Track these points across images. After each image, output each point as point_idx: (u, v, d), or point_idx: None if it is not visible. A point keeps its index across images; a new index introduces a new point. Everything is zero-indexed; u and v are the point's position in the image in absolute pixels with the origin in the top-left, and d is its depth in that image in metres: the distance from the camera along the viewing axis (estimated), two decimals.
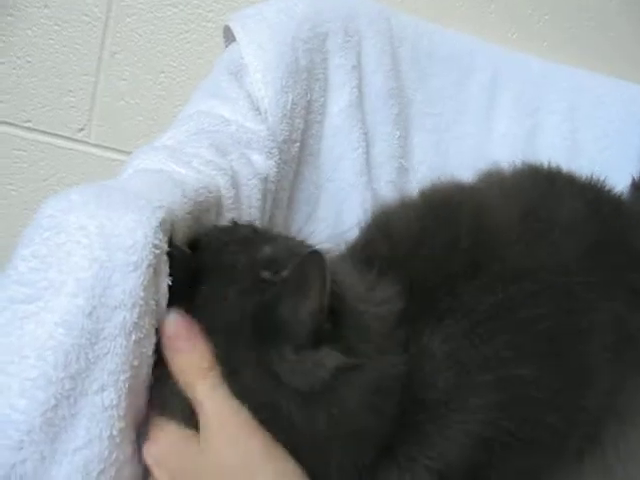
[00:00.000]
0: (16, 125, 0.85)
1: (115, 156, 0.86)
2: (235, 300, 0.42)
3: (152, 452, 0.41)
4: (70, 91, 0.85)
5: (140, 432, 0.42)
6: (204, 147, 0.56)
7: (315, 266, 0.39)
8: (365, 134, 0.72)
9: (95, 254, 0.38)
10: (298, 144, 0.67)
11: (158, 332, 0.41)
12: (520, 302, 0.47)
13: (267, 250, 0.44)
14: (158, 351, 0.41)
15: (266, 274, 0.42)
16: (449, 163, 0.77)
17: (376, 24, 0.74)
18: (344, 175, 0.71)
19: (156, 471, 0.41)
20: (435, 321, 0.46)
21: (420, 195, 0.58)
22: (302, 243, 0.47)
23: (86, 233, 0.38)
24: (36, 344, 0.37)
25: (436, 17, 0.80)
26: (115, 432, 0.39)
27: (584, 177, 0.61)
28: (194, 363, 0.41)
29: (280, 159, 0.63)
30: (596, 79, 0.82)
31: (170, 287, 0.41)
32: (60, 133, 0.86)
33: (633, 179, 0.72)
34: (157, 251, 0.39)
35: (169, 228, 0.41)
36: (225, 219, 0.52)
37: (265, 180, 0.60)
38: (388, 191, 0.74)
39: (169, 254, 0.41)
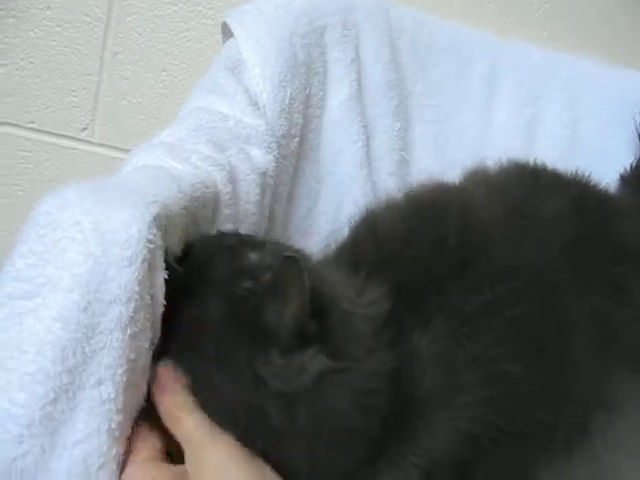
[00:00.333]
0: (20, 126, 0.86)
1: (119, 155, 0.87)
2: (219, 314, 0.42)
3: None
4: (73, 91, 0.86)
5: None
6: (202, 143, 0.56)
7: (292, 270, 0.40)
8: (365, 127, 0.73)
9: (90, 250, 0.38)
10: (297, 139, 0.67)
11: (154, 326, 0.41)
12: (507, 300, 0.47)
13: (253, 257, 0.45)
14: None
15: (248, 284, 0.43)
16: (450, 154, 0.77)
17: (374, 16, 0.74)
18: (344, 168, 0.71)
19: None
20: (423, 321, 0.46)
21: (405, 196, 0.59)
22: (289, 248, 0.48)
23: (81, 229, 0.39)
24: (34, 339, 0.38)
25: (435, 8, 0.80)
26: (114, 425, 0.39)
27: (569, 173, 0.62)
28: (179, 402, 0.42)
29: (279, 154, 0.63)
30: (597, 68, 0.82)
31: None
32: (64, 133, 0.87)
33: (621, 174, 0.72)
34: (151, 246, 0.40)
35: (164, 223, 0.42)
36: (223, 214, 0.53)
37: (264, 175, 0.60)
38: (389, 184, 0.74)
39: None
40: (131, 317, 0.39)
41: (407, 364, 0.44)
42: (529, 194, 0.57)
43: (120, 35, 0.85)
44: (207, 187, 0.51)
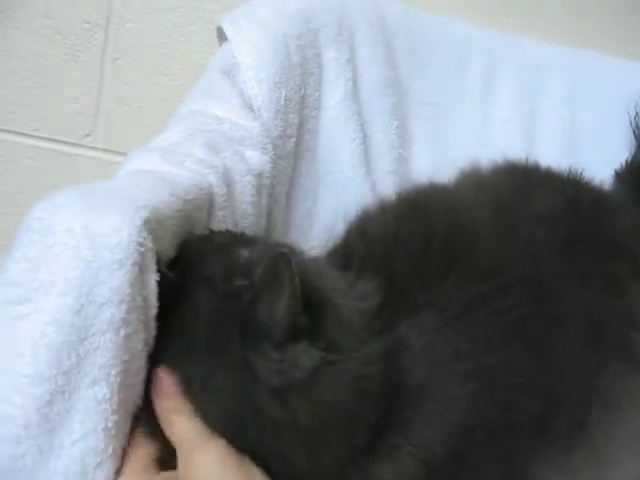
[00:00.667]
0: (24, 134, 0.87)
1: (122, 160, 0.86)
2: (212, 311, 0.43)
3: None
4: (75, 98, 0.87)
5: None
6: (197, 146, 0.57)
7: (282, 265, 0.41)
8: (362, 125, 0.73)
9: (82, 254, 0.39)
10: (294, 139, 0.68)
11: (147, 327, 0.42)
12: (492, 295, 0.48)
13: (244, 254, 0.46)
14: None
15: (241, 281, 0.44)
16: (449, 150, 0.77)
17: (369, 15, 0.74)
18: (342, 167, 0.72)
19: None
20: (413, 315, 0.47)
21: (397, 197, 0.60)
22: (278, 244, 0.49)
23: (73, 234, 0.40)
24: (30, 343, 0.39)
25: (429, 5, 0.80)
26: (110, 424, 0.40)
27: (562, 171, 0.62)
28: (174, 405, 0.43)
29: (275, 154, 0.64)
30: (595, 58, 0.81)
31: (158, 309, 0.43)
32: (67, 140, 0.88)
33: (616, 171, 0.72)
34: (142, 249, 0.40)
35: (155, 227, 0.42)
36: (217, 216, 0.54)
37: (259, 176, 0.61)
38: (388, 181, 0.74)
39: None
40: (123, 319, 0.40)
41: (398, 355, 0.45)
42: (519, 193, 0.57)
43: (120, 41, 0.87)
44: (201, 189, 0.51)
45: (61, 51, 0.86)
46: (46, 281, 0.39)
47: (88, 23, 0.85)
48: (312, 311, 0.43)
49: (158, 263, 0.43)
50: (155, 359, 0.44)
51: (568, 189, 0.58)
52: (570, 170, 0.62)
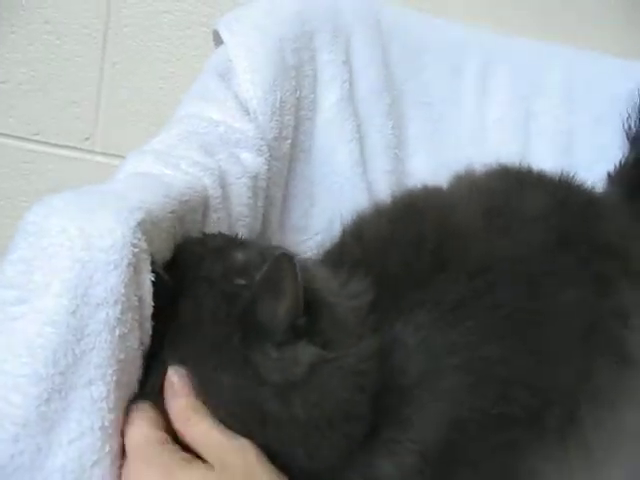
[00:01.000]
0: (24, 138, 0.88)
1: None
2: (213, 310, 0.44)
3: None
4: (74, 102, 0.88)
5: None
6: (193, 149, 0.57)
7: (286, 266, 0.42)
8: (358, 126, 0.73)
9: (77, 255, 0.40)
10: (289, 141, 0.68)
11: (143, 327, 0.43)
12: (483, 291, 0.49)
13: (239, 256, 0.47)
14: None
15: (241, 281, 0.45)
16: (444, 151, 0.78)
17: (364, 18, 0.75)
18: (339, 168, 0.72)
19: None
20: (406, 312, 0.48)
21: (392, 201, 0.61)
22: (272, 246, 0.49)
23: (68, 236, 0.40)
24: (27, 343, 0.40)
25: (424, 7, 0.81)
26: (107, 423, 0.41)
27: (554, 174, 0.62)
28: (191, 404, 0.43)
29: (271, 156, 0.64)
30: (591, 57, 0.81)
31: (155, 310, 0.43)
32: (67, 144, 0.89)
33: (609, 173, 0.72)
34: (136, 250, 0.41)
35: (149, 228, 0.43)
36: (212, 218, 0.54)
37: (255, 178, 0.61)
38: (384, 182, 0.74)
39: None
40: (118, 319, 0.40)
41: (393, 351, 0.46)
42: (510, 195, 0.58)
43: (118, 45, 0.88)
44: (196, 191, 0.52)
45: (60, 56, 0.87)
46: (42, 282, 0.40)
47: (87, 28, 0.86)
48: (309, 310, 0.44)
49: (153, 264, 0.44)
50: (155, 359, 0.44)
51: (559, 192, 0.59)
52: (562, 173, 0.62)
